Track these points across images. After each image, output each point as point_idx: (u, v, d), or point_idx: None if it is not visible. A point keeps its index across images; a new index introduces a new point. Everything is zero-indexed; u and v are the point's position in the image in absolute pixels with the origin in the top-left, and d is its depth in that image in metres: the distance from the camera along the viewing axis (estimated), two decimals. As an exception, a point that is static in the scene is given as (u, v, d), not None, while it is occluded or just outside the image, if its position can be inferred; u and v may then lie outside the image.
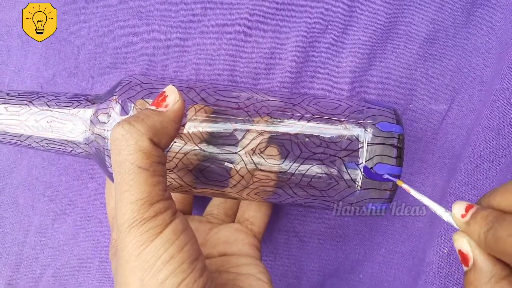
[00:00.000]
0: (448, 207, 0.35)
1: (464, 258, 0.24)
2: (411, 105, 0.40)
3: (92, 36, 0.42)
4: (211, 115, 0.30)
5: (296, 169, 0.30)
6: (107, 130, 0.30)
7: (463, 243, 0.24)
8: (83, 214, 0.43)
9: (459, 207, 0.25)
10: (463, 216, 0.24)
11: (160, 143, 0.26)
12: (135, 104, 0.30)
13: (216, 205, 0.39)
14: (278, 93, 0.34)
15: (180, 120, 0.28)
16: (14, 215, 0.44)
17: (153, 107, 0.27)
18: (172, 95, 0.28)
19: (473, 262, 0.23)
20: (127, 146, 0.25)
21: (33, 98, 0.32)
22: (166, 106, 0.27)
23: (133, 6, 0.41)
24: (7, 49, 0.43)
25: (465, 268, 0.24)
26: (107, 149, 0.30)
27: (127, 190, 0.24)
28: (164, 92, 0.28)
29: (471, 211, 0.24)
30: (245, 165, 0.30)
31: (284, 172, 0.30)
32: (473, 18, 0.39)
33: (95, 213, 0.43)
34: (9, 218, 0.44)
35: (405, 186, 0.28)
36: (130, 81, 0.32)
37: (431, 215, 0.39)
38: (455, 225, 0.25)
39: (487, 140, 0.36)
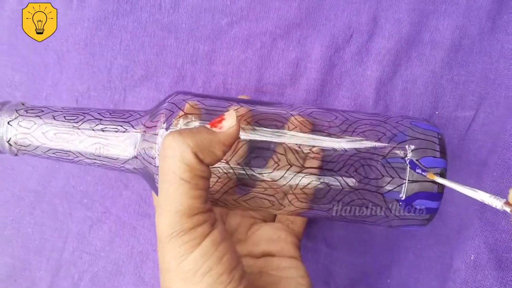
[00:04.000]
0: (475, 215, 0.36)
1: None
2: (437, 112, 0.40)
3: (123, 50, 0.44)
4: (257, 137, 0.31)
5: (337, 202, 0.30)
6: (154, 156, 0.31)
7: None
8: (118, 221, 0.45)
9: None
10: None
11: (204, 160, 0.26)
12: (179, 121, 0.30)
13: None
14: (317, 110, 0.33)
15: (230, 144, 0.28)
16: (53, 223, 0.46)
17: (208, 126, 0.28)
18: (229, 120, 0.28)
19: None
20: (172, 155, 0.26)
21: (80, 121, 0.32)
22: (220, 128, 0.28)
23: (162, 20, 0.43)
24: (44, 65, 0.45)
25: None
26: (156, 167, 0.31)
27: (167, 200, 0.25)
28: (223, 115, 0.28)
29: None
30: (289, 187, 0.30)
31: (324, 193, 0.30)
32: (499, 24, 0.39)
33: (129, 220, 0.45)
34: (49, 226, 0.46)
35: (441, 181, 0.28)
36: (170, 109, 0.32)
37: (457, 221, 0.40)
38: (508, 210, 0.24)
39: (515, 147, 0.36)
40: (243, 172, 0.30)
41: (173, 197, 0.25)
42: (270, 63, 0.42)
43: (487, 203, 0.25)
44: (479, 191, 0.25)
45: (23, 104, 0.33)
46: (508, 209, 0.24)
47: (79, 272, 0.46)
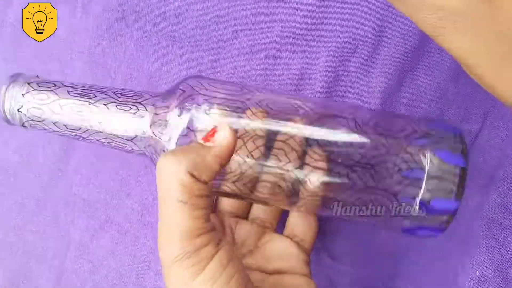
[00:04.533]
0: (480, 230, 0.35)
1: None
2: (442, 125, 0.40)
3: (127, 59, 0.44)
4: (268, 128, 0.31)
5: (348, 188, 0.30)
6: (164, 138, 0.31)
7: None
8: (120, 230, 0.45)
9: None
10: None
11: (200, 178, 0.26)
12: (190, 111, 0.30)
13: (262, 208, 0.39)
14: (332, 105, 0.33)
15: (227, 157, 0.27)
16: (56, 231, 0.46)
17: (202, 141, 0.28)
18: (221, 132, 0.28)
19: None
20: (166, 177, 0.25)
21: (94, 98, 0.32)
22: (213, 142, 0.28)
23: (166, 30, 0.43)
24: (47, 73, 0.45)
25: None
26: (163, 151, 0.31)
27: (167, 224, 0.25)
28: (215, 127, 0.28)
29: None
30: (299, 180, 0.30)
31: (336, 190, 0.30)
32: (506, 37, 0.38)
33: (131, 229, 0.45)
34: (51, 233, 0.46)
35: None
36: (184, 90, 0.32)
37: (462, 236, 0.39)
38: None
39: (520, 162, 0.36)
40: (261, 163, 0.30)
41: (172, 220, 0.25)
42: (274, 74, 0.42)
43: None
44: None
45: (37, 77, 0.33)
46: None
47: (81, 280, 0.46)
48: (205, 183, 0.26)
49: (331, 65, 0.41)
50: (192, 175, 0.25)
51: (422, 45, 0.40)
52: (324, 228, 0.42)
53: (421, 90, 0.40)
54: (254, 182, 0.31)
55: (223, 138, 0.28)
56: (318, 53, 0.41)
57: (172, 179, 0.25)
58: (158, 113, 0.32)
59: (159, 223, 0.26)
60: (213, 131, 0.28)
